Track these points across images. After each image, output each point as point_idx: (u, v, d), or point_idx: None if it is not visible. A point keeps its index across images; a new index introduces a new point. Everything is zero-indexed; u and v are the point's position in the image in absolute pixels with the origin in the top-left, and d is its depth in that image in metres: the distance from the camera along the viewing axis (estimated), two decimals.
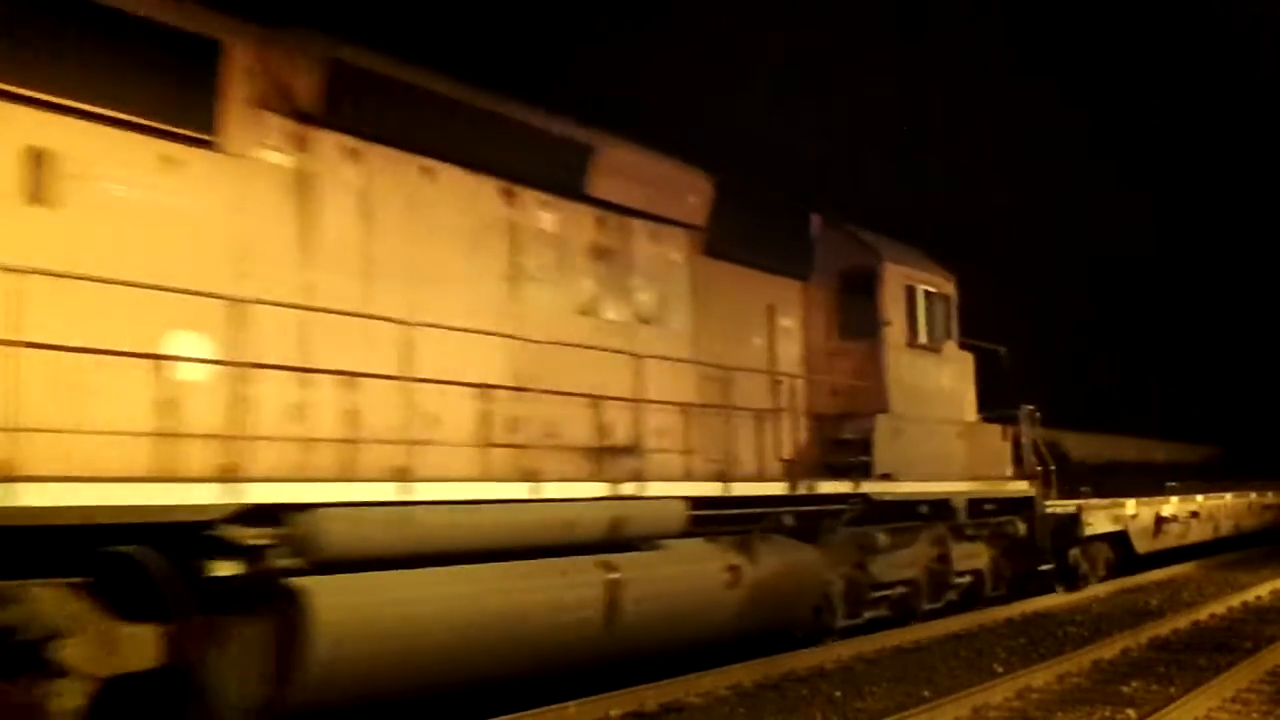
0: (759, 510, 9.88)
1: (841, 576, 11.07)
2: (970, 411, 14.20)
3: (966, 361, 14.26)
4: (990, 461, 13.98)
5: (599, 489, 8.50)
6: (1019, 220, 46.48)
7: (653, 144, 10.67)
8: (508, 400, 8.50)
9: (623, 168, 10.01)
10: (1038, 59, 46.32)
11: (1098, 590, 15.84)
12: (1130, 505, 17.58)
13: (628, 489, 8.65)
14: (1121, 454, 43.83)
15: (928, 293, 13.09)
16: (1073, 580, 15.83)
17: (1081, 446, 41.38)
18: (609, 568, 8.26)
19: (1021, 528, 14.15)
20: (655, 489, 8.89)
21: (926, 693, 8.90)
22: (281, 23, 7.59)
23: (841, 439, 11.59)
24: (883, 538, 11.46)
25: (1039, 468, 14.63)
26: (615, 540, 8.46)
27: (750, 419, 10.63)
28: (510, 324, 8.81)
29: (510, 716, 7.46)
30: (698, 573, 9.14)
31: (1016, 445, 14.71)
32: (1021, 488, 14.34)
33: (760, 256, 11.63)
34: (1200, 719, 8.14)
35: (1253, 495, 24.17)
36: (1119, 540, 17.31)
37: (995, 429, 14.44)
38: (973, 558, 13.27)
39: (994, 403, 14.46)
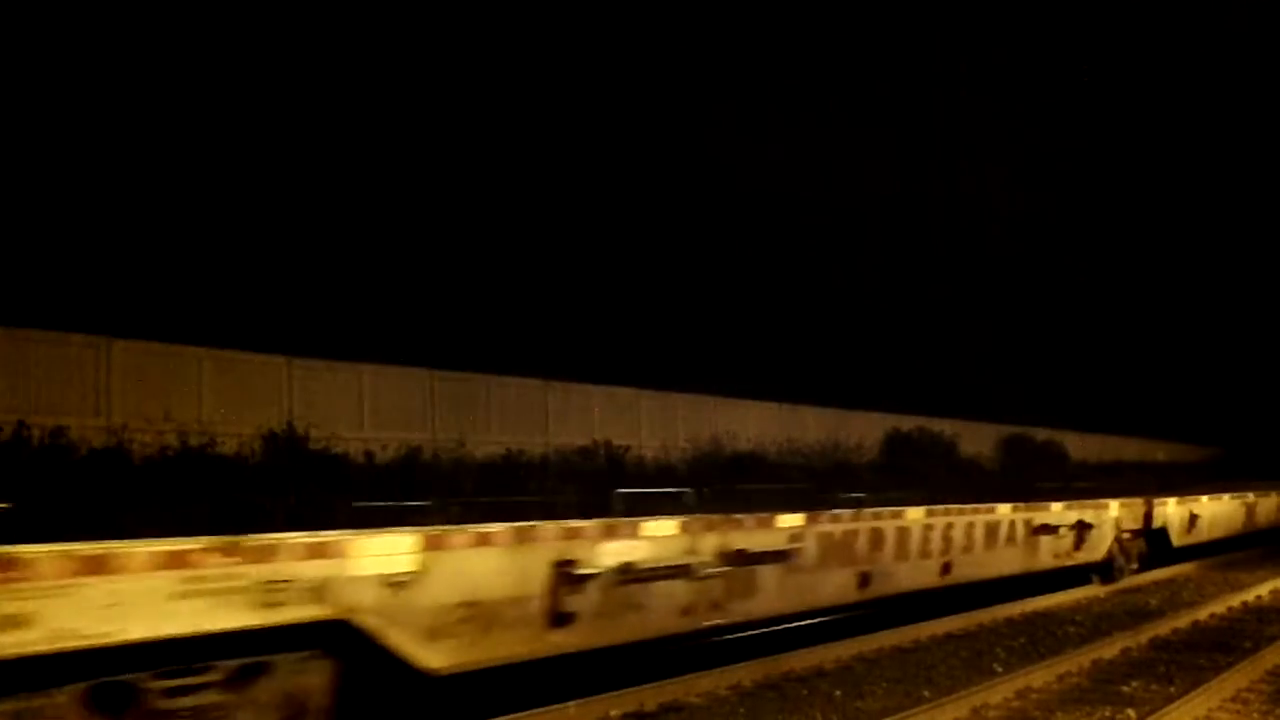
0: None
1: None
2: None
3: None
4: None
5: None
6: (1020, 219, 46.50)
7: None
8: None
9: None
10: (1040, 58, 46.38)
11: (1098, 590, 15.80)
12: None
13: None
14: (1122, 454, 43.94)
15: None
16: None
17: (1081, 447, 41.50)
18: None
19: None
20: None
21: (926, 692, 8.91)
22: None
23: None
24: None
25: None
26: None
27: None
28: None
29: (510, 717, 7.47)
30: None
31: None
32: None
33: None
34: (1200, 719, 8.15)
35: (887, 517, 11.25)
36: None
37: None
38: None
39: None
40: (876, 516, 11.12)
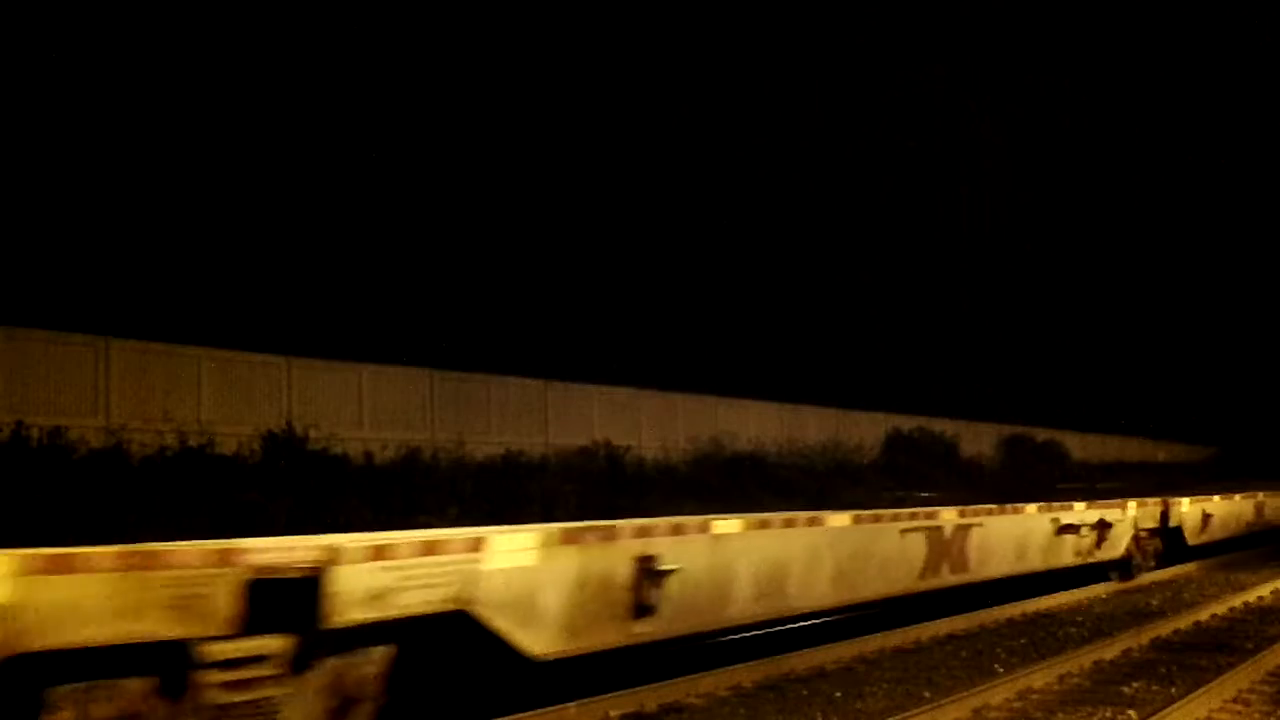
0: None
1: None
2: None
3: None
4: None
5: None
6: (1020, 219, 46.49)
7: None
8: None
9: None
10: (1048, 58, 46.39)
11: (1099, 590, 15.77)
12: None
13: None
14: (1124, 454, 43.97)
15: None
16: None
17: (1082, 446, 41.52)
18: None
19: None
20: None
21: (927, 693, 8.88)
22: None
23: None
24: None
25: None
26: None
27: None
28: None
29: (511, 717, 7.44)
30: None
31: None
32: None
33: None
34: None
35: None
36: None
37: None
38: None
39: None
40: None
